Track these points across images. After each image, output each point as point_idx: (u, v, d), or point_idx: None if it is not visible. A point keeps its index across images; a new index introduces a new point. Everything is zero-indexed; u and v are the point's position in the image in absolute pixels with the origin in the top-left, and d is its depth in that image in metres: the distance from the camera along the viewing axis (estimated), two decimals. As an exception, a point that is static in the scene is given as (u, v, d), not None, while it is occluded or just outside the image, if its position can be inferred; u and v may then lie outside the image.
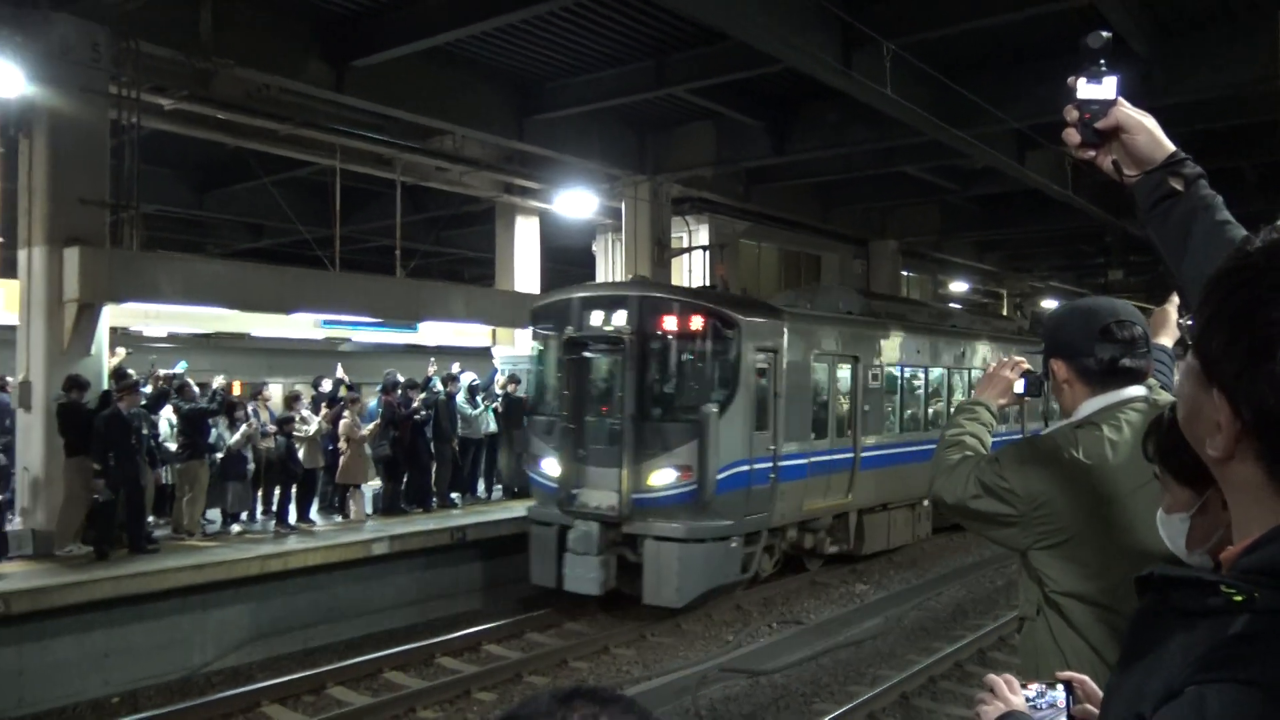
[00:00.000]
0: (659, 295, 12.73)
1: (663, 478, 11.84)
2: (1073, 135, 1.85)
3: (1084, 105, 1.82)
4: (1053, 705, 1.75)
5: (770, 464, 12.65)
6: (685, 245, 21.18)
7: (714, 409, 11.67)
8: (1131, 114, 1.83)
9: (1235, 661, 0.89)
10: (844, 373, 14.94)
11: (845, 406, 14.95)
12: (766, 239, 25.37)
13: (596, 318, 12.46)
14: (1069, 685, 1.74)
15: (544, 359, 13.40)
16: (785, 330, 13.24)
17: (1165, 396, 2.49)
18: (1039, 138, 15.88)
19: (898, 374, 16.53)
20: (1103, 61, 1.82)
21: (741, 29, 11.43)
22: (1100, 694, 1.72)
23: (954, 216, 26.17)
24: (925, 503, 16.40)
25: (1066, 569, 2.39)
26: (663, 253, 19.41)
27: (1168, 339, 2.96)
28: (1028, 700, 1.76)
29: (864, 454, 14.94)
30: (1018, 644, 2.60)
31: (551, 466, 12.57)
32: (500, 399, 15.89)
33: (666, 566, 11.68)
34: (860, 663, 10.65)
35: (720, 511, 11.91)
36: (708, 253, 20.98)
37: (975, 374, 18.46)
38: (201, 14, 11.61)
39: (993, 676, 1.82)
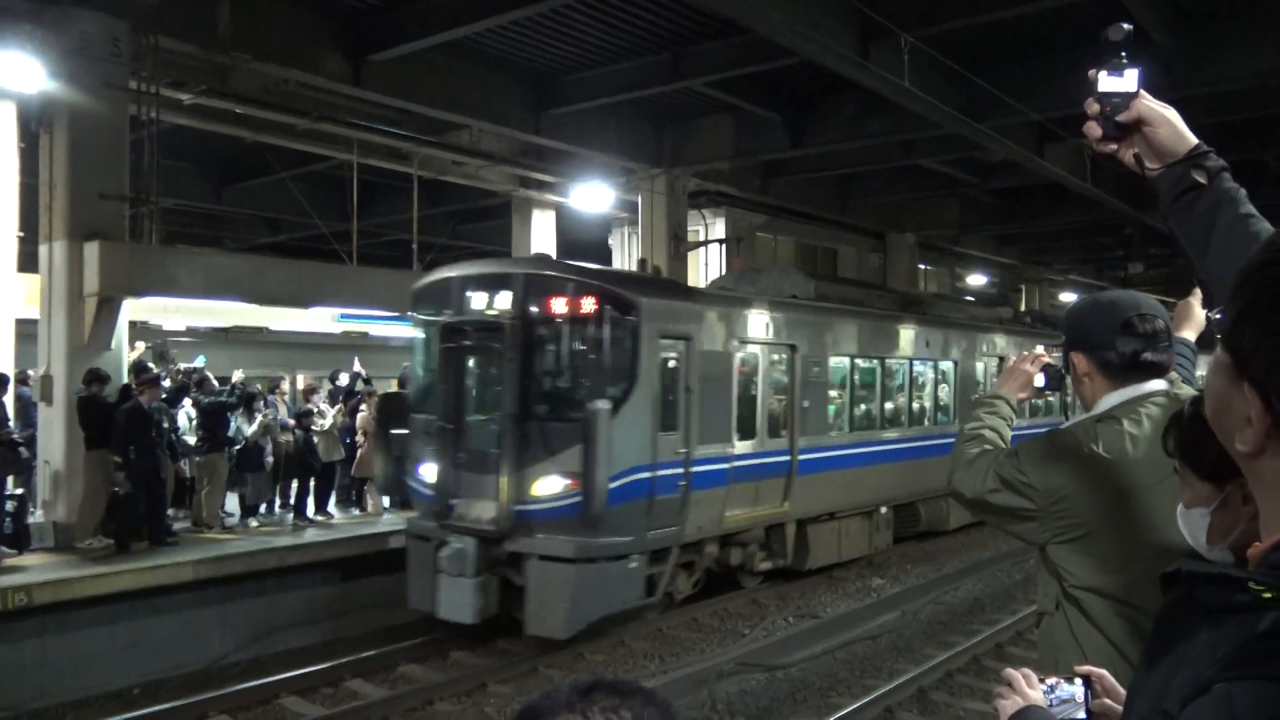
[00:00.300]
0: (545, 273, 10.98)
1: (548, 486, 10.15)
2: (1094, 129, 1.84)
3: (1105, 98, 1.81)
4: (1071, 700, 1.75)
5: (680, 470, 10.91)
6: (702, 239, 21.17)
7: (605, 406, 9.89)
8: (1153, 107, 1.82)
9: (1264, 658, 0.88)
10: (779, 364, 13.07)
11: (780, 402, 13.04)
12: (783, 232, 25.33)
13: (479, 300, 10.73)
14: (1087, 680, 1.74)
15: (424, 349, 11.71)
16: (701, 315, 11.56)
17: (1187, 391, 2.48)
18: (1058, 130, 15.77)
19: (847, 366, 14.53)
20: (1124, 54, 1.81)
21: (758, 22, 11.39)
22: (1119, 689, 1.71)
23: (972, 210, 26.06)
24: (883, 510, 15.20)
25: (1085, 564, 2.38)
26: (679, 246, 19.41)
27: (1190, 333, 2.95)
28: (1046, 694, 1.75)
29: (803, 456, 13.01)
30: (1036, 639, 2.59)
31: (430, 473, 10.91)
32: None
33: (552, 591, 10.09)
34: (877, 657, 10.63)
35: (616, 526, 10.22)
36: (724, 246, 20.95)
37: (946, 366, 17.21)
38: (219, 9, 11.66)
39: (1010, 671, 1.82)
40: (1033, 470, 2.45)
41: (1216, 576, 1.02)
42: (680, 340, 11.09)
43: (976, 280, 32.37)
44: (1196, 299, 2.93)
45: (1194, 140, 1.83)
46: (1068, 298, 36.39)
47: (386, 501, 13.92)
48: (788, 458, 12.85)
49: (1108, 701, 1.69)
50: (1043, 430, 2.59)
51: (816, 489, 13.41)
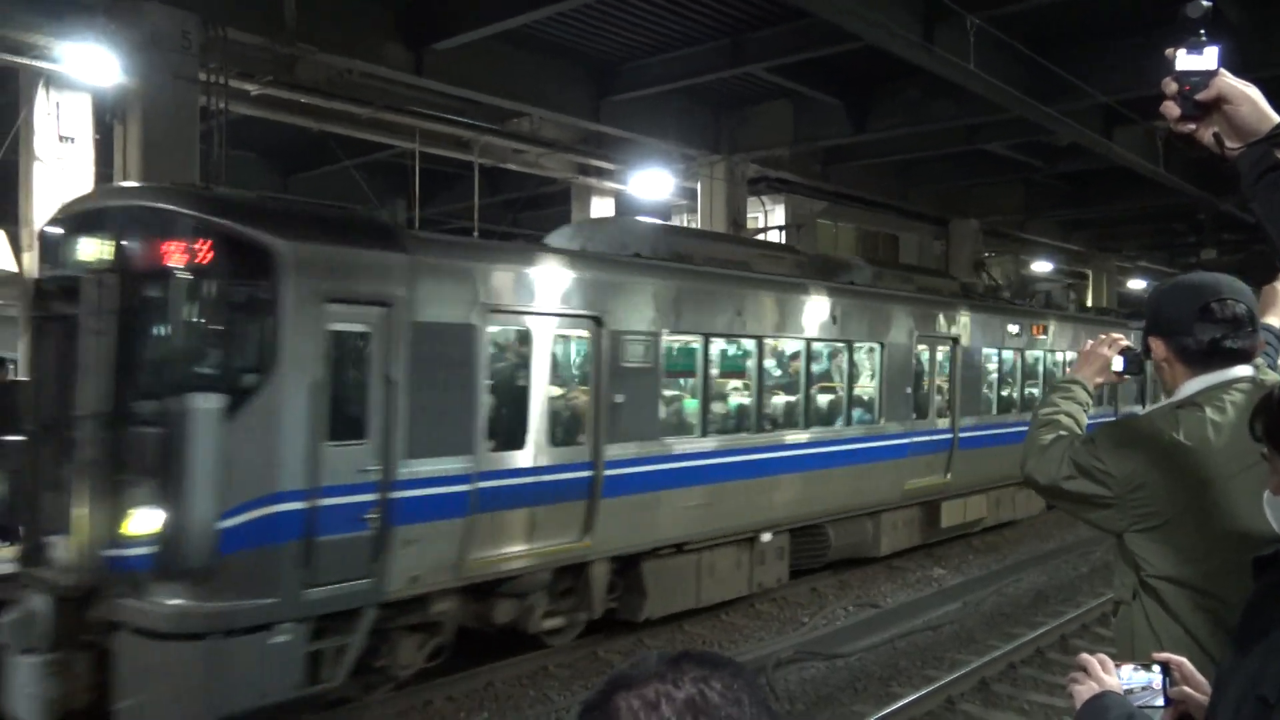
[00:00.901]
0: (151, 205, 7.63)
1: (145, 522, 6.91)
2: (1172, 108, 1.82)
3: (1183, 77, 1.79)
4: (1148, 687, 1.73)
5: (371, 496, 7.64)
6: (761, 225, 21.08)
7: (208, 405, 6.77)
8: (1234, 85, 1.79)
9: None
10: (573, 344, 9.81)
11: (579, 398, 9.68)
12: (844, 219, 25.13)
13: (86, 248, 7.53)
14: (1166, 667, 1.72)
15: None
16: (414, 270, 8.03)
17: (1272, 377, 2.42)
18: (1128, 113, 15.41)
19: (701, 348, 10.83)
20: (1203, 32, 1.79)
21: (820, 6, 11.29)
22: (1199, 677, 1.69)
23: (1038, 195, 25.61)
24: (767, 537, 11.64)
25: (1164, 553, 2.34)
26: (738, 233, 19.34)
27: (1276, 318, 2.86)
28: (1121, 681, 1.74)
29: (616, 471, 9.57)
30: (1112, 627, 2.55)
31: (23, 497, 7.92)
32: None
33: (149, 679, 6.91)
34: (938, 647, 10.54)
35: (243, 582, 7.02)
36: (784, 233, 20.84)
37: (869, 350, 13.46)
38: (286, 1, 11.85)
39: (1086, 656, 1.80)
40: (1110, 457, 2.40)
41: (1313, 560, 1.00)
42: (373, 307, 7.73)
43: (1042, 267, 31.81)
44: None
45: (1277, 118, 1.80)
46: (1137, 284, 35.64)
47: None
48: (589, 473, 9.42)
49: (1187, 689, 1.67)
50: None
51: (644, 513, 9.98)
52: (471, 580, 8.64)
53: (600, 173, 19.60)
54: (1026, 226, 27.97)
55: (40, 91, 12.31)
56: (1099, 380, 2.76)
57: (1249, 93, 1.80)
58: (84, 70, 11.43)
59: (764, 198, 21.15)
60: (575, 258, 10.03)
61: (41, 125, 12.43)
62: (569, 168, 19.32)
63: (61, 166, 12.55)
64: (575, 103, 15.81)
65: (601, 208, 20.27)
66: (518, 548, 8.87)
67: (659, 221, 13.69)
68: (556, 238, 11.74)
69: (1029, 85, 13.84)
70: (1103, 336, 2.81)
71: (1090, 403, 2.72)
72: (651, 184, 18.50)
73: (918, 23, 12.15)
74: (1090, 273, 34.90)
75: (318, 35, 12.37)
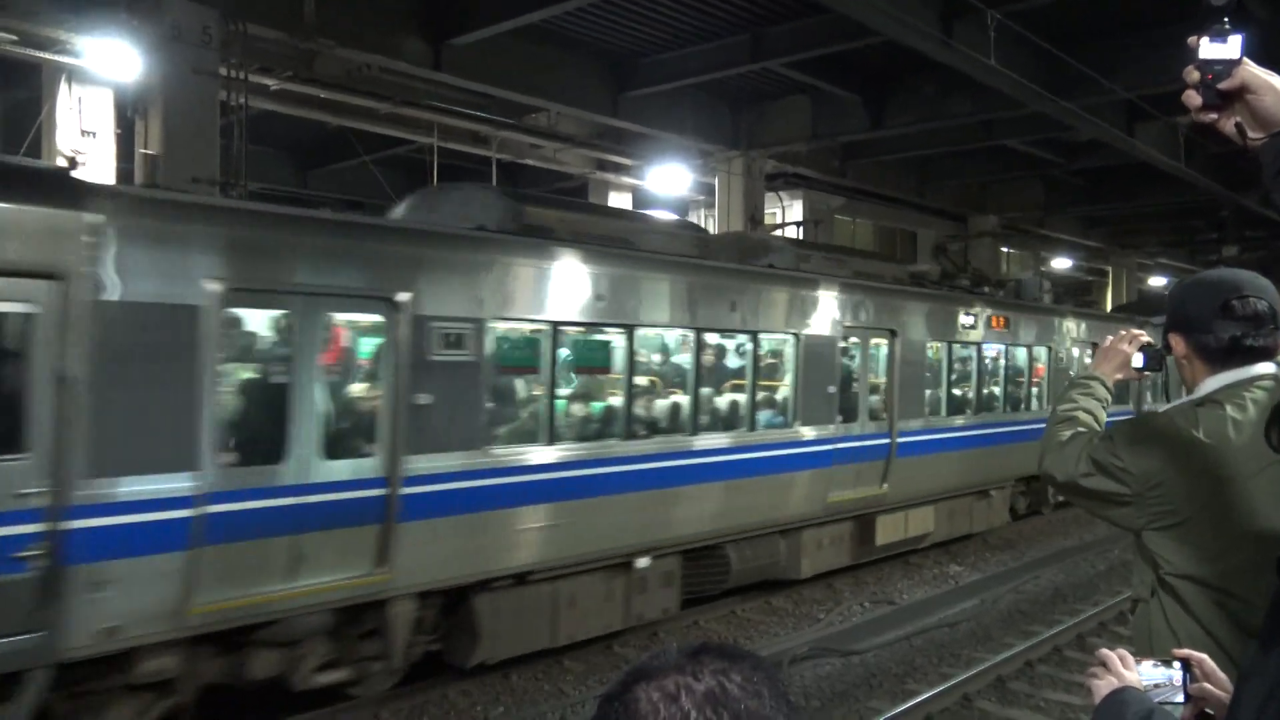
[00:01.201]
0: None
1: None
2: (1193, 97, 1.80)
3: (1206, 65, 1.78)
4: (1167, 683, 1.72)
5: (37, 525, 5.93)
6: (779, 221, 21.05)
7: None
8: (1258, 74, 1.78)
9: None
10: (359, 334, 8.14)
11: (364, 399, 7.94)
12: (862, 214, 25.06)
13: None
14: (1186, 663, 1.71)
15: None
16: (97, 235, 6.15)
17: (1294, 374, 2.40)
18: (1149, 108, 15.30)
19: (548, 338, 8.92)
20: (1226, 20, 1.77)
21: (839, 0, 11.25)
22: (1219, 673, 1.68)
23: (1057, 191, 25.46)
24: (642, 562, 9.77)
25: (1182, 551, 2.32)
26: (755, 229, 19.30)
27: None
28: (1141, 677, 1.73)
29: (419, 488, 7.79)
30: (1131, 625, 2.54)
31: None
32: None
33: None
34: (954, 645, 10.51)
35: None
36: (801, 228, 20.80)
37: (776, 342, 11.52)
38: (305, -5, 11.92)
39: (1105, 650, 1.79)
40: (1128, 454, 2.39)
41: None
42: (38, 280, 5.95)
43: (1061, 263, 31.63)
44: None
45: None
46: (1157, 281, 35.39)
47: None
48: (382, 491, 7.58)
49: (1207, 686, 1.66)
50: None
51: (468, 539, 8.22)
52: (203, 629, 6.76)
53: (618, 168, 19.62)
54: (1045, 223, 27.81)
55: (62, 86, 12.42)
56: (1119, 376, 2.74)
57: (1273, 82, 1.78)
58: (106, 65, 11.53)
59: (782, 193, 21.11)
60: (362, 227, 8.33)
61: (64, 120, 12.53)
62: (587, 163, 19.35)
63: (83, 160, 12.64)
64: (593, 98, 15.81)
65: (619, 203, 20.28)
66: (275, 586, 6.99)
67: (516, 190, 11.97)
68: (400, 209, 10.37)
69: (1049, 80, 13.75)
70: (1123, 332, 2.79)
71: (1110, 399, 2.70)
72: (669, 179, 18.51)
73: (937, 18, 12.10)
74: (1110, 270, 34.71)
75: (337, 30, 12.41)
